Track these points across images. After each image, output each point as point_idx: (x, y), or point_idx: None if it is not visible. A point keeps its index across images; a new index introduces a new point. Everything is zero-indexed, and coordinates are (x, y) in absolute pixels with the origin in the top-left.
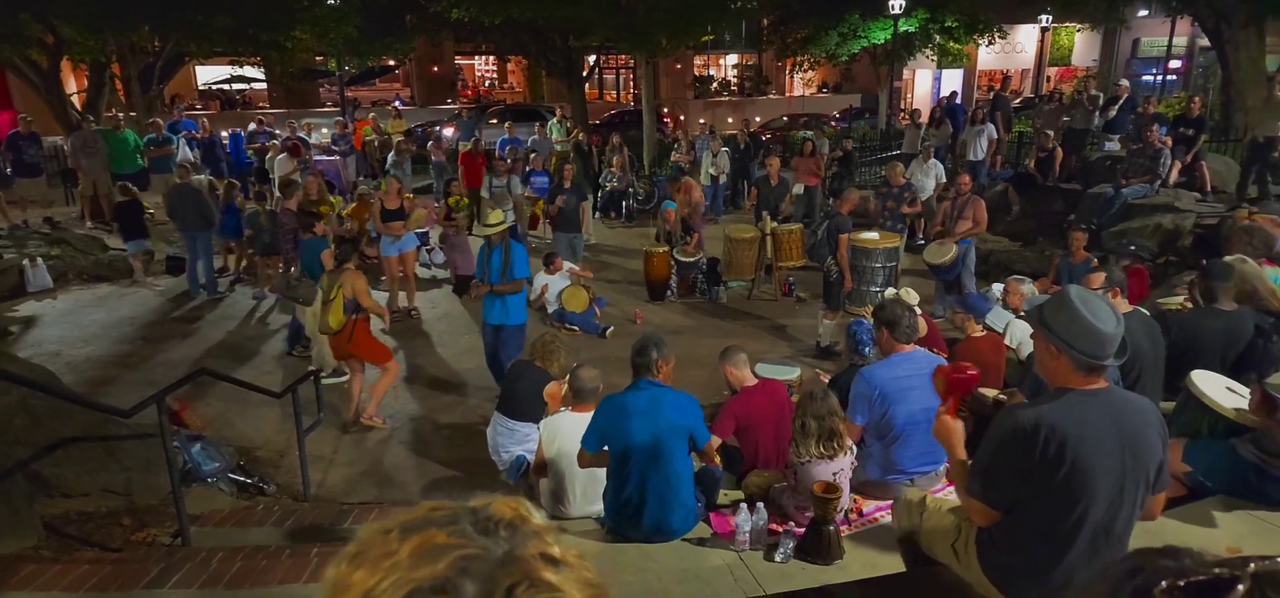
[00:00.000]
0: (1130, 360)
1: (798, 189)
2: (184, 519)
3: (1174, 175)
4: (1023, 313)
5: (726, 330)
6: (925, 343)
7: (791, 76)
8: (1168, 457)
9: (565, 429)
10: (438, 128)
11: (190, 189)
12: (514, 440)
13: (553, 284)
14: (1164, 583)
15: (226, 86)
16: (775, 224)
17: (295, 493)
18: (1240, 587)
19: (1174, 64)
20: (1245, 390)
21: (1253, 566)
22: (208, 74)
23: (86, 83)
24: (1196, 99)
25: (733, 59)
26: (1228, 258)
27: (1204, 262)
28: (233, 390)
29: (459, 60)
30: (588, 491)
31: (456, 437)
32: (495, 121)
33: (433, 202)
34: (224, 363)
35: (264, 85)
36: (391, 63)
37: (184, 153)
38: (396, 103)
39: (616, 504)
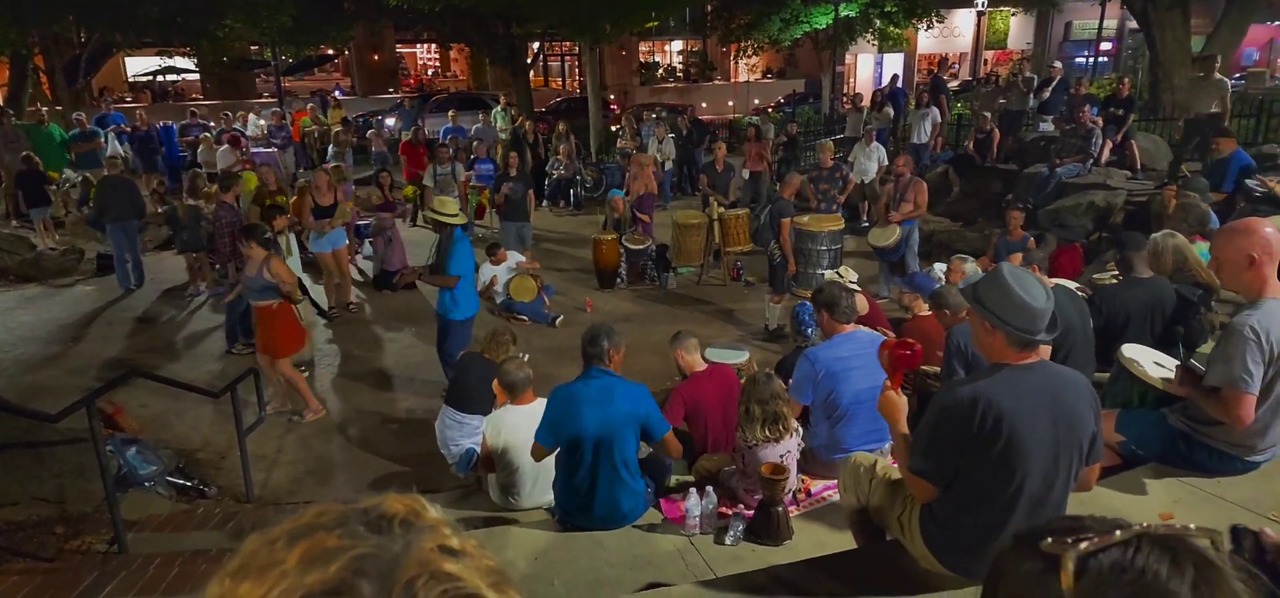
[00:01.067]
0: (1061, 335)
1: (744, 174)
2: (119, 526)
3: (1105, 154)
4: (959, 291)
5: (677, 316)
6: (867, 322)
7: (736, 62)
8: (1100, 429)
9: (510, 422)
10: (379, 118)
11: (121, 179)
12: (463, 433)
13: (500, 275)
14: (1050, 538)
15: (157, 78)
16: (723, 209)
17: (238, 495)
18: (1118, 533)
19: (1105, 46)
20: (1171, 361)
21: (1139, 526)
22: (138, 65)
23: (7, 77)
24: (1125, 80)
25: (678, 45)
26: (1158, 233)
27: (1119, 235)
28: (172, 390)
29: (400, 49)
30: (538, 482)
31: (404, 432)
32: (438, 111)
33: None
34: (160, 363)
35: (197, 76)
36: (330, 52)
37: (113, 147)
38: (336, 92)
39: (567, 493)
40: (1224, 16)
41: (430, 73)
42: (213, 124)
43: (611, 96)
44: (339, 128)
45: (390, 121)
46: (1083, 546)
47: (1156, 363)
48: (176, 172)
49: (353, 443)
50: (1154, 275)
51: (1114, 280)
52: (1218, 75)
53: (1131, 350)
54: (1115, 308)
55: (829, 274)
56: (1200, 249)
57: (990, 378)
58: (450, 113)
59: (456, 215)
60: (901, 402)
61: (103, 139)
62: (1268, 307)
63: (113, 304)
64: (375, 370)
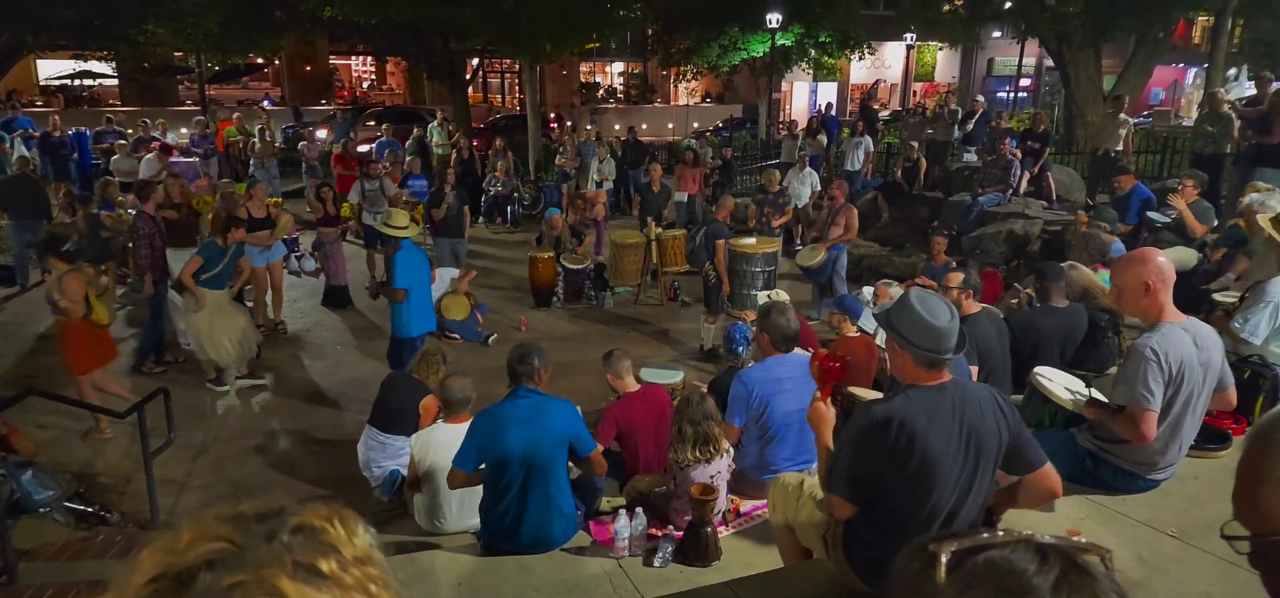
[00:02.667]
0: (982, 357)
1: (680, 196)
2: (9, 555)
3: (1023, 185)
4: (875, 315)
5: (613, 336)
6: (800, 342)
7: (676, 86)
8: (1019, 437)
9: (439, 442)
10: (310, 128)
11: (28, 178)
12: (387, 455)
13: (434, 293)
14: (946, 546)
15: (72, 82)
16: (659, 230)
17: (142, 521)
18: (1001, 534)
19: (1025, 81)
20: (1081, 384)
21: (1027, 533)
22: (52, 68)
23: None
24: (1040, 115)
25: (619, 67)
26: (1064, 263)
27: (1037, 265)
28: (74, 410)
29: (334, 60)
30: (464, 504)
31: (327, 454)
32: (372, 123)
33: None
34: (62, 381)
35: (115, 82)
36: (259, 60)
37: (20, 151)
38: (265, 102)
39: (493, 517)
40: (1132, 58)
41: (365, 85)
42: (130, 131)
43: (552, 115)
44: (254, 136)
45: (321, 133)
46: (958, 544)
47: (1066, 386)
48: (89, 180)
49: (269, 466)
50: (1070, 304)
51: (1014, 305)
52: (1121, 115)
53: (1043, 373)
54: (1029, 333)
55: (761, 296)
56: (1103, 277)
57: (903, 398)
58: (384, 126)
59: (406, 228)
60: (830, 414)
61: (7, 144)
62: (1165, 330)
63: (11, 318)
64: (299, 390)
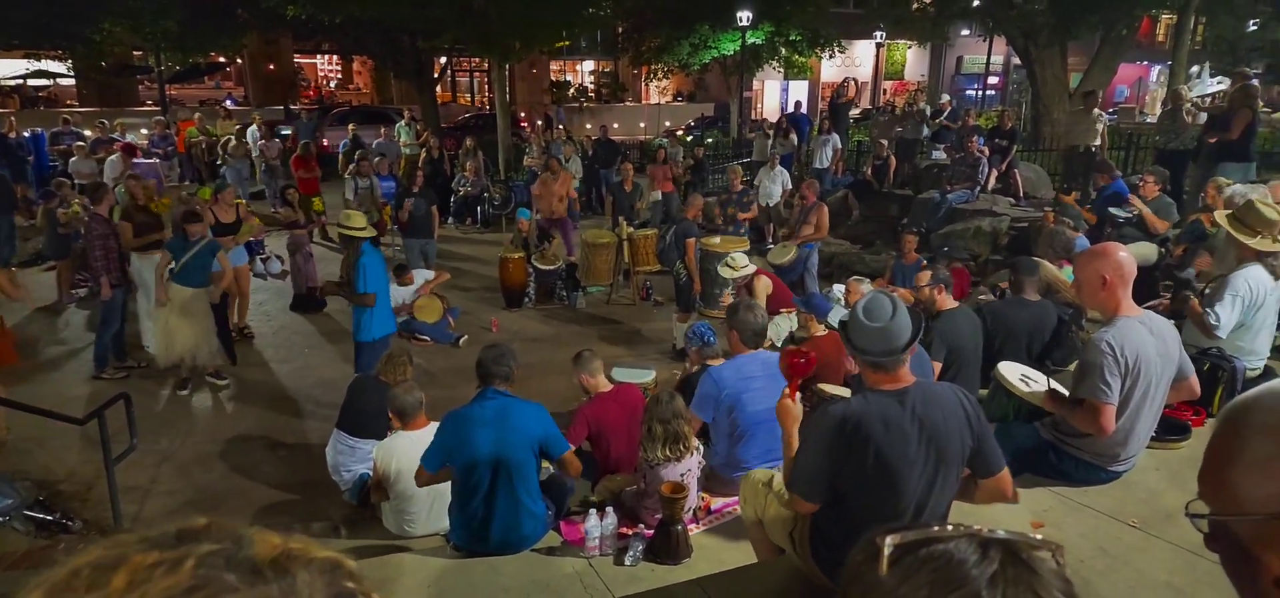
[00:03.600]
0: (952, 353)
1: (655, 196)
2: None
3: (991, 182)
4: (836, 325)
5: (585, 336)
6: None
7: (647, 84)
8: (983, 441)
9: (401, 449)
10: (275, 129)
11: None
12: (356, 459)
13: (407, 296)
14: (889, 538)
15: (27, 82)
16: (631, 229)
17: (105, 529)
18: (949, 528)
19: (993, 79)
20: (1041, 377)
21: (974, 527)
22: (6, 68)
23: None
24: (1007, 113)
25: (590, 65)
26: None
27: (1012, 259)
28: (33, 416)
29: (299, 59)
30: (433, 508)
31: (294, 458)
32: (338, 124)
33: (273, 208)
34: (21, 386)
35: (72, 82)
36: (221, 59)
37: None
38: (227, 102)
39: (463, 520)
40: (1097, 56)
41: (331, 84)
42: (89, 132)
43: (522, 114)
44: (231, 138)
45: (284, 132)
46: (900, 536)
47: (1028, 379)
48: (47, 182)
49: (236, 471)
50: (1040, 299)
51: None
52: (1096, 110)
53: (1006, 368)
54: (999, 325)
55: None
56: (1067, 273)
57: (861, 399)
58: (350, 126)
59: (365, 229)
60: (797, 410)
61: None
62: (1121, 324)
63: None
64: (267, 394)
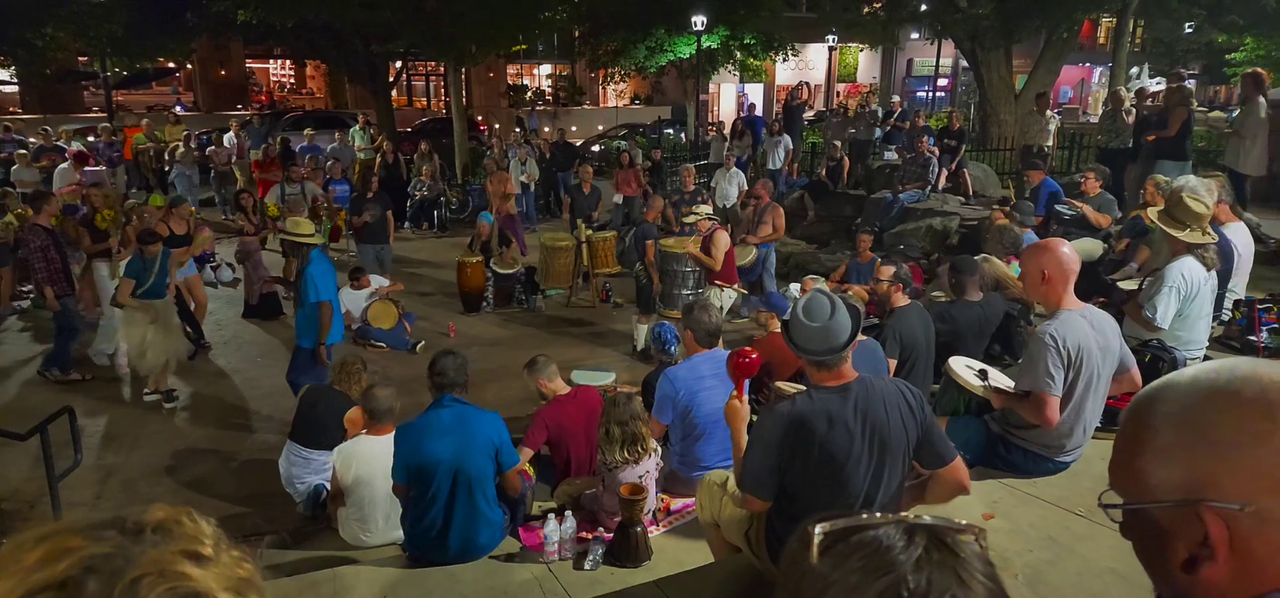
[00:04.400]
0: (906, 350)
1: (616, 198)
2: None
3: (942, 182)
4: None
5: (545, 339)
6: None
7: (605, 88)
8: (929, 432)
9: (363, 454)
10: (225, 135)
11: None
12: (310, 470)
13: (361, 301)
14: (819, 527)
15: None
16: (590, 232)
17: None
18: (878, 516)
19: (942, 81)
20: (991, 371)
21: (901, 515)
22: None
23: None
24: (956, 113)
25: (547, 69)
26: (978, 256)
27: (951, 260)
28: None
29: (250, 63)
30: (391, 516)
31: (246, 470)
32: (307, 132)
33: (225, 215)
34: None
35: (15, 88)
36: (170, 65)
37: None
38: (176, 108)
39: (419, 529)
40: (1040, 58)
41: (284, 89)
42: (32, 140)
43: (479, 117)
44: (179, 145)
45: (229, 136)
46: (831, 524)
47: (977, 373)
48: None
49: (186, 485)
50: (985, 297)
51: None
52: (1048, 112)
53: (955, 362)
54: (948, 323)
55: (727, 293)
56: (1016, 269)
57: (805, 397)
58: (306, 131)
59: (312, 236)
60: (744, 409)
61: None
62: (1063, 317)
63: None
64: (218, 405)
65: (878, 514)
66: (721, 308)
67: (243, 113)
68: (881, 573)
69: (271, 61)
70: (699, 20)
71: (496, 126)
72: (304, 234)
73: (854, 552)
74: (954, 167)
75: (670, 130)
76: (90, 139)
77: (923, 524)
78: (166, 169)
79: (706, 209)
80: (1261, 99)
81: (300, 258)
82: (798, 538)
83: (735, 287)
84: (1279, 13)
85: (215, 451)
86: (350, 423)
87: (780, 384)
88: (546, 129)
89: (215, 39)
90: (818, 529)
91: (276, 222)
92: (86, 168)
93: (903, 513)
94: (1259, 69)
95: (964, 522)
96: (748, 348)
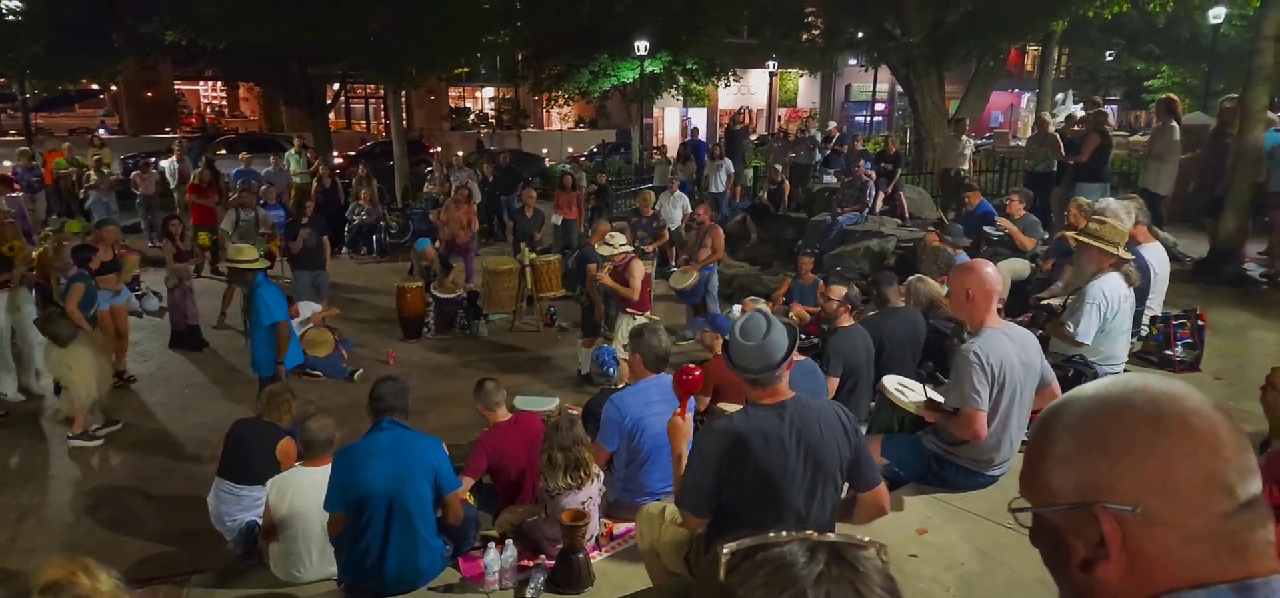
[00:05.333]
0: (848, 370)
1: (556, 220)
2: None
3: (879, 204)
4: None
5: (487, 365)
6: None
7: (549, 111)
8: (860, 454)
9: (298, 486)
10: (151, 159)
11: None
12: (241, 507)
13: (295, 329)
14: (727, 546)
15: None
16: (534, 255)
17: None
18: (783, 534)
19: (880, 107)
20: (920, 387)
21: (805, 533)
22: None
23: None
24: (891, 138)
25: (490, 92)
26: (913, 276)
27: (875, 275)
28: None
29: (180, 85)
30: (326, 550)
31: (173, 507)
32: (224, 152)
33: (151, 242)
34: None
35: None
36: (94, 86)
37: None
38: (101, 131)
39: (354, 557)
40: (971, 85)
41: (215, 111)
42: None
43: (425, 140)
44: (93, 168)
45: (165, 163)
46: (737, 543)
47: (906, 389)
48: None
49: (108, 524)
50: (906, 306)
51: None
52: (964, 137)
53: (889, 381)
54: (877, 334)
55: (641, 319)
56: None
57: (742, 415)
58: (242, 154)
59: (256, 261)
60: (686, 428)
61: None
62: (987, 335)
63: None
64: (142, 439)
65: (784, 533)
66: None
67: (172, 135)
68: (783, 588)
69: (202, 83)
70: (642, 45)
71: (437, 150)
72: (247, 259)
73: (759, 569)
74: (890, 189)
75: (618, 154)
76: (6, 163)
77: (825, 541)
78: (83, 195)
79: (622, 239)
80: (1175, 123)
81: (246, 284)
82: (709, 558)
83: (647, 315)
84: (1193, 43)
85: (139, 488)
86: (284, 455)
87: (723, 407)
88: (507, 150)
89: (142, 61)
90: (726, 549)
91: (206, 251)
92: (10, 195)
93: (807, 531)
94: (1172, 96)
95: (865, 537)
96: (691, 365)
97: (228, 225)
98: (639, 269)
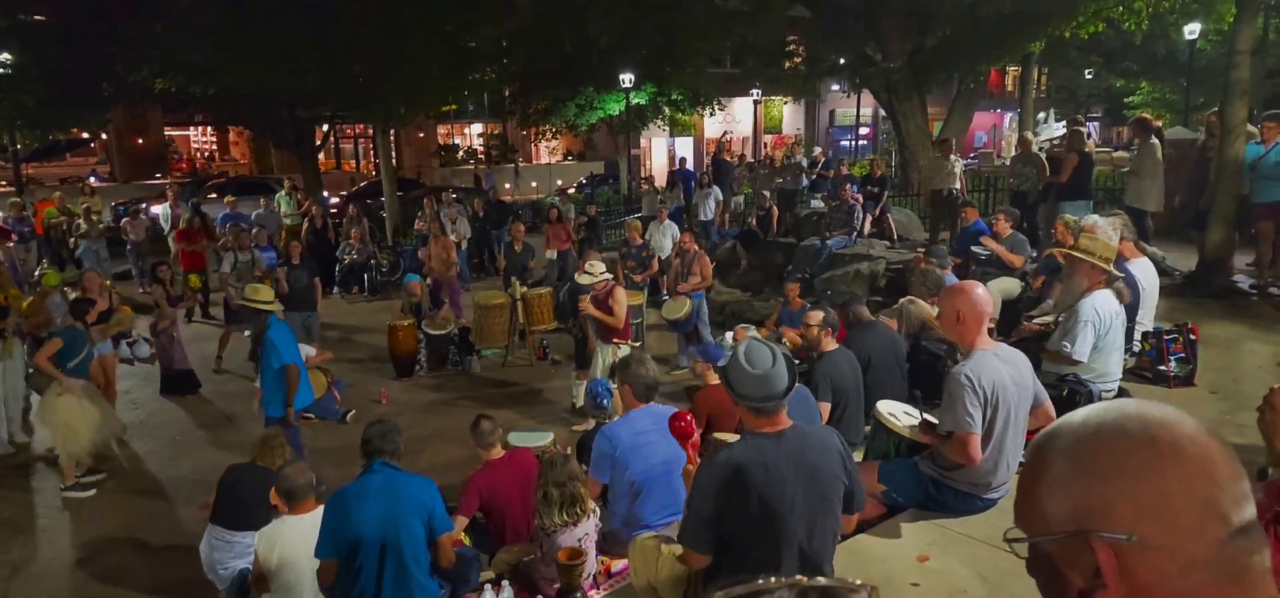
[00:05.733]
0: (837, 394)
1: (550, 254)
2: None
3: (866, 227)
4: (717, 370)
5: (480, 401)
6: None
7: (537, 145)
8: (853, 480)
9: (287, 535)
10: (142, 206)
11: None
12: (233, 554)
13: None
14: (717, 594)
15: None
16: (525, 289)
17: None
18: (774, 580)
19: (864, 130)
20: (916, 413)
21: (795, 578)
22: None
23: None
24: (877, 161)
25: (478, 128)
26: (903, 299)
27: (840, 299)
28: None
29: (170, 131)
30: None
31: (166, 557)
32: (214, 196)
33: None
34: None
35: None
36: (85, 135)
37: None
38: (91, 178)
39: None
40: (953, 106)
41: (206, 156)
42: None
43: (423, 177)
44: (81, 217)
45: (156, 209)
46: (727, 592)
47: (905, 414)
48: None
49: (99, 577)
50: (874, 320)
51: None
52: (952, 157)
53: (883, 405)
54: (859, 352)
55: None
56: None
57: (742, 445)
58: (227, 198)
59: (272, 303)
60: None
61: None
62: (978, 357)
63: None
64: (134, 489)
65: (774, 579)
66: (607, 365)
67: (163, 181)
68: None
69: (192, 128)
70: (627, 78)
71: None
72: (263, 300)
73: None
74: (877, 212)
75: (607, 184)
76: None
77: (814, 586)
78: (73, 242)
79: (602, 267)
80: (1155, 139)
81: (258, 325)
82: None
83: (630, 344)
84: (1170, 59)
85: (131, 538)
86: (277, 499)
87: (718, 436)
88: (508, 186)
89: (131, 109)
90: (717, 596)
91: (197, 293)
92: (6, 245)
93: (797, 576)
94: (1144, 114)
95: (857, 581)
96: (684, 411)
97: (227, 267)
98: (622, 296)
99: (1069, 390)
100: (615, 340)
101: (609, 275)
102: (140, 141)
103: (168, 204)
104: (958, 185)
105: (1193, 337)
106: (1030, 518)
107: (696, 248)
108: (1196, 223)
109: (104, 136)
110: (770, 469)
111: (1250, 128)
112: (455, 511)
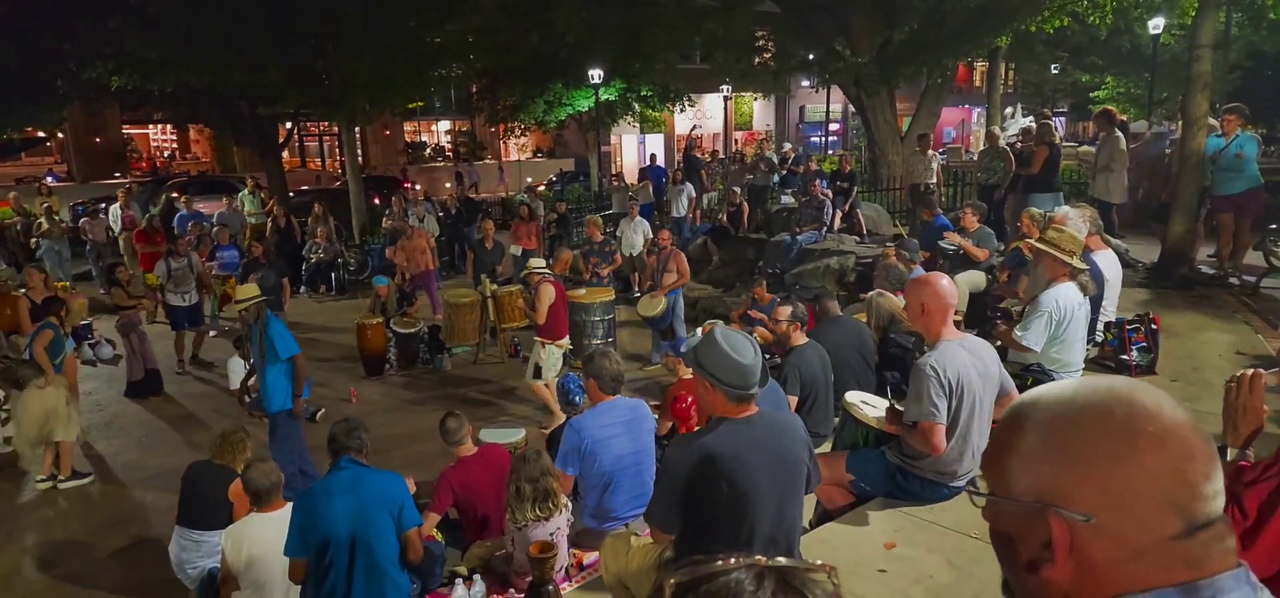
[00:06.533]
0: (806, 387)
1: (515, 251)
2: None
3: (837, 222)
4: (681, 353)
5: (451, 399)
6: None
7: (506, 142)
8: (814, 464)
9: (254, 534)
10: (101, 206)
11: None
12: (201, 553)
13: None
14: (672, 580)
15: None
16: (495, 287)
17: None
18: (733, 561)
19: (834, 126)
20: (882, 402)
21: (753, 558)
22: None
23: None
24: (845, 156)
25: (446, 125)
26: (872, 292)
27: (812, 293)
28: None
29: (128, 130)
30: (290, 593)
31: (133, 557)
32: (177, 195)
33: (103, 290)
34: None
35: None
36: (40, 133)
37: None
38: (48, 178)
39: None
40: (921, 101)
41: (167, 154)
42: None
43: (406, 176)
44: (42, 217)
45: (113, 208)
46: (681, 575)
47: (871, 405)
48: None
49: (67, 579)
50: (842, 315)
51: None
52: (930, 152)
53: (852, 396)
54: (827, 344)
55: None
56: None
57: (711, 432)
58: (184, 197)
59: (258, 295)
60: None
61: None
62: (943, 348)
63: None
64: (101, 490)
65: (733, 559)
66: (552, 366)
67: (122, 181)
68: None
69: (152, 126)
70: (596, 74)
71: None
72: (252, 297)
73: (706, 594)
74: (847, 207)
75: (577, 182)
76: None
77: (773, 566)
78: (33, 243)
79: (539, 262)
80: (1118, 133)
81: (259, 321)
82: (656, 589)
83: (560, 343)
84: (1134, 53)
85: (99, 541)
86: (236, 497)
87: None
88: (448, 185)
89: (88, 107)
90: (671, 581)
91: (157, 292)
92: None
93: (755, 557)
94: (1109, 107)
95: (818, 561)
96: (682, 392)
97: (159, 273)
98: (547, 293)
99: (1033, 380)
100: (541, 340)
101: (545, 270)
102: (98, 140)
103: (118, 205)
104: (933, 180)
105: (1154, 326)
106: (998, 478)
107: (671, 245)
108: (1158, 215)
109: (61, 135)
110: (740, 454)
111: (1211, 121)
112: (428, 507)
